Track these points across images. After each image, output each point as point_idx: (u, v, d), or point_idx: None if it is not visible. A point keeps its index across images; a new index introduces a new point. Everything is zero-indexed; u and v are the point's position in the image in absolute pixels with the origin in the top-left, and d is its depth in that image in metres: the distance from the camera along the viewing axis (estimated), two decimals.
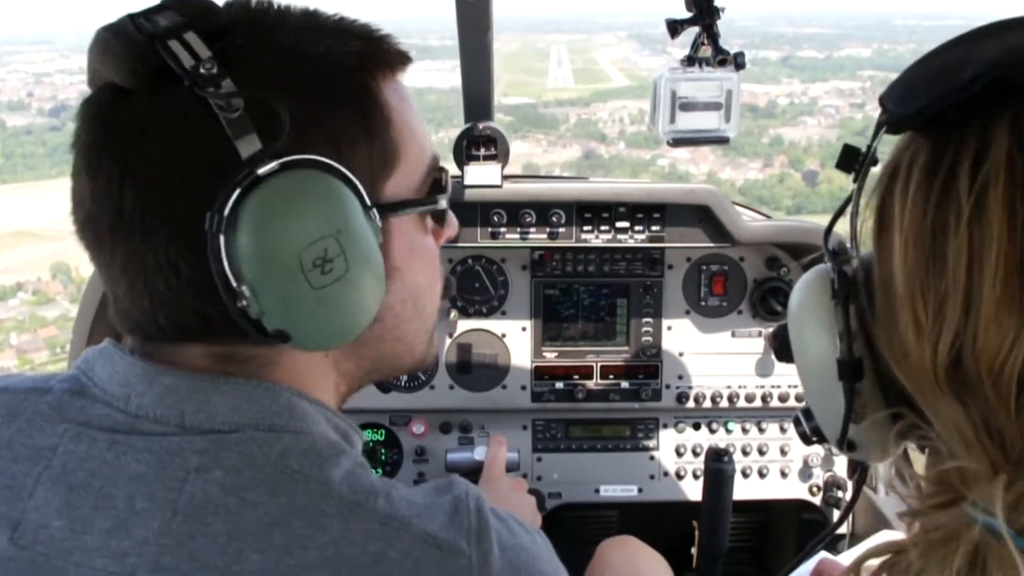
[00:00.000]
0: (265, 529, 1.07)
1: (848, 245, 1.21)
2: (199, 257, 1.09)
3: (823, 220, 1.35)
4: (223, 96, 1.08)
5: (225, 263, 1.08)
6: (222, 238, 1.07)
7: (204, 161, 1.10)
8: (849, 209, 1.21)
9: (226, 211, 1.07)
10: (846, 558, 2.15)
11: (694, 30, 2.09)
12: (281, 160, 1.09)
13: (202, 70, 1.08)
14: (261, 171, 1.09)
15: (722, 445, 3.22)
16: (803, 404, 1.41)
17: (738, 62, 2.09)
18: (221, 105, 1.08)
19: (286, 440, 1.14)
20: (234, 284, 1.08)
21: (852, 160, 1.22)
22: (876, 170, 1.18)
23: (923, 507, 1.06)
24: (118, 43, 1.11)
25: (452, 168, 2.95)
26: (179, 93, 1.09)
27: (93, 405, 1.17)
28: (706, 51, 2.10)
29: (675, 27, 2.08)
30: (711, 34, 2.08)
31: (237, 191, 1.08)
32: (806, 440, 1.42)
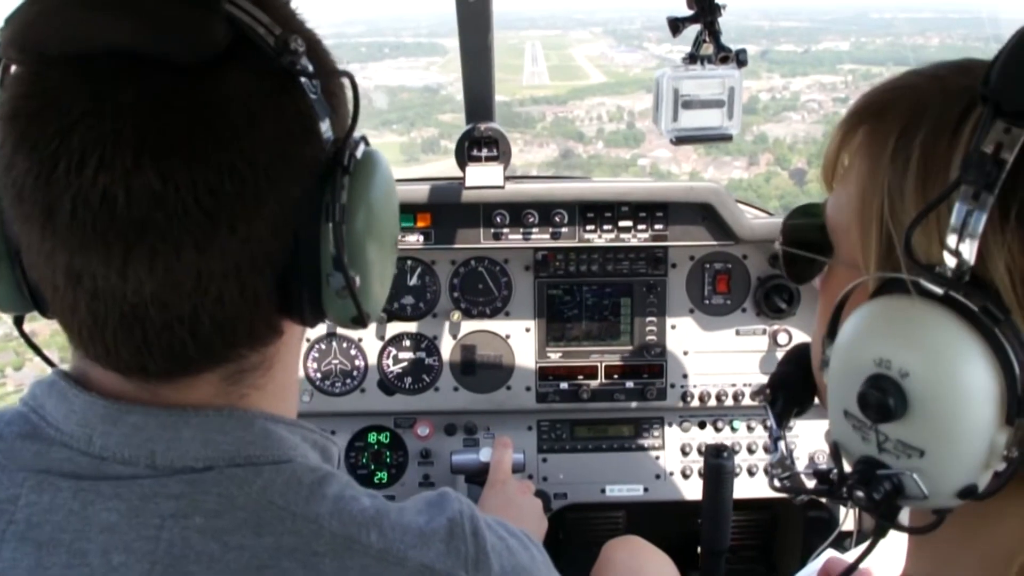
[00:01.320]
0: (254, 573, 1.02)
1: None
2: (292, 250, 1.06)
3: None
4: (310, 75, 1.05)
5: (342, 250, 1.06)
6: (330, 225, 1.06)
7: (296, 145, 1.05)
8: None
9: (344, 198, 1.06)
10: (852, 556, 2.15)
11: (687, 31, 2.09)
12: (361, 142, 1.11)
13: (291, 45, 1.02)
14: (358, 154, 1.10)
15: (728, 443, 3.22)
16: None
17: (740, 59, 2.09)
18: (312, 87, 1.05)
19: (266, 474, 1.07)
20: (349, 271, 1.07)
21: (980, 171, 0.90)
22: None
23: None
24: (177, 5, 0.98)
25: (454, 170, 2.95)
26: (256, 69, 1.02)
27: (50, 448, 1.05)
28: (707, 49, 2.10)
29: (676, 25, 2.08)
30: (712, 31, 2.07)
31: (347, 176, 1.07)
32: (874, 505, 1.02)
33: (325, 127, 1.07)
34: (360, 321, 1.13)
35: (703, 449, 3.22)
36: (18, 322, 1.21)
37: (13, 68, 1.03)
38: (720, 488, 2.75)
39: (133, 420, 1.05)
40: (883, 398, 0.93)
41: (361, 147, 1.12)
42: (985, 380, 0.90)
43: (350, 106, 1.15)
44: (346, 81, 1.14)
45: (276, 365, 1.16)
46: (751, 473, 3.26)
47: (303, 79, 1.04)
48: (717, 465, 2.73)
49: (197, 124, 0.97)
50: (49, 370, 1.15)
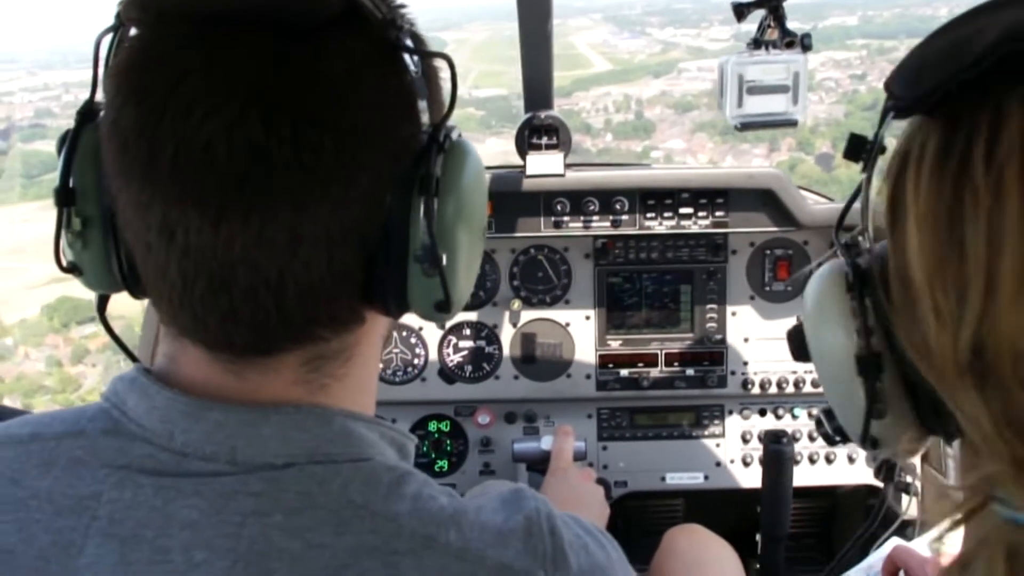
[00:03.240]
0: (335, 572, 1.02)
1: (860, 237, 1.17)
2: (381, 225, 1.07)
3: None
4: (413, 52, 1.07)
5: (432, 227, 1.07)
6: (422, 200, 1.06)
7: (396, 118, 1.07)
8: (859, 200, 1.17)
9: (438, 174, 1.08)
10: (919, 544, 2.13)
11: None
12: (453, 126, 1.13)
13: (399, 21, 1.05)
14: (453, 137, 1.12)
15: (788, 431, 3.20)
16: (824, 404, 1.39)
17: (805, 44, 2.08)
18: (414, 64, 1.07)
19: (346, 472, 1.07)
20: (439, 252, 1.08)
21: (860, 149, 1.16)
22: (886, 158, 1.14)
23: (957, 511, 1.03)
24: None
25: (515, 158, 2.95)
26: (364, 38, 1.04)
27: (132, 444, 1.07)
28: (772, 34, 2.08)
29: (741, 10, 2.06)
30: (777, 16, 2.06)
31: (442, 155, 1.09)
32: (829, 440, 1.35)
33: (423, 107, 1.09)
34: (446, 307, 1.13)
35: (763, 436, 3.22)
36: (101, 304, 1.23)
37: (133, 30, 1.05)
38: (780, 474, 2.74)
39: (215, 417, 1.06)
40: (795, 346, 1.30)
41: (455, 133, 1.14)
42: (841, 337, 1.13)
43: (445, 93, 1.17)
44: (443, 64, 1.15)
45: (356, 357, 1.17)
46: (812, 461, 3.23)
47: (406, 56, 1.06)
48: (777, 451, 2.72)
49: (304, 82, 0.99)
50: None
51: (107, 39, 1.10)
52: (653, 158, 26.59)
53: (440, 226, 1.08)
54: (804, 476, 3.19)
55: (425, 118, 1.10)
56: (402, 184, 1.07)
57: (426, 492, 1.10)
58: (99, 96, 1.09)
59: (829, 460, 3.23)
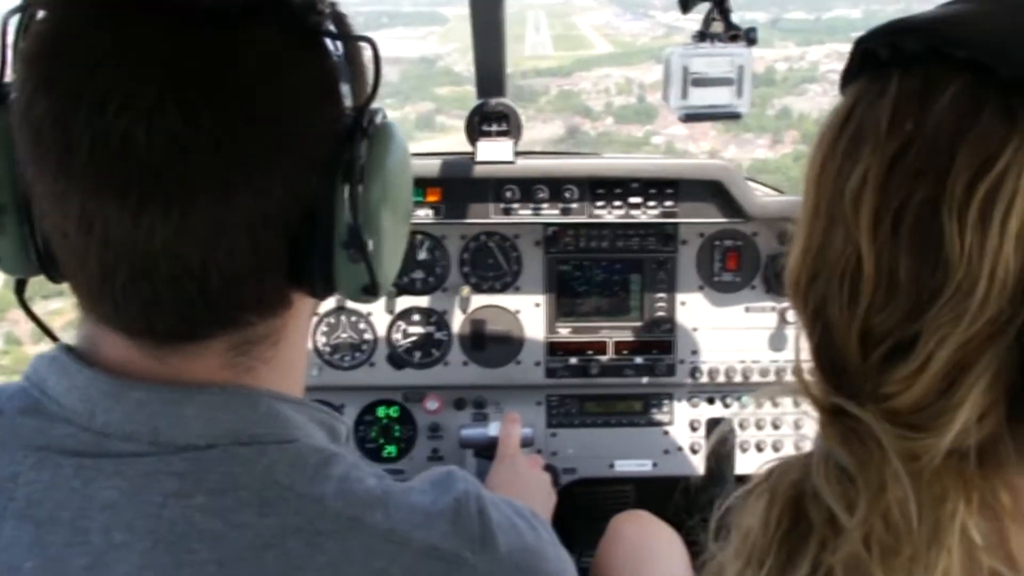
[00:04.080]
0: (258, 553, 1.01)
1: None
2: (306, 210, 1.06)
3: None
4: (334, 36, 1.06)
5: (357, 213, 1.07)
6: (347, 187, 1.06)
7: (317, 103, 1.06)
8: None
9: (362, 160, 1.08)
10: None
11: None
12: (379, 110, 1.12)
13: (318, 6, 1.04)
14: (377, 120, 1.11)
15: (736, 420, 3.24)
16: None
17: (750, 37, 2.08)
18: (335, 49, 1.07)
19: (271, 453, 1.06)
20: (364, 237, 1.08)
21: None
22: None
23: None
24: None
25: (464, 144, 2.94)
26: (282, 24, 1.02)
27: (52, 424, 1.05)
28: (717, 27, 2.09)
29: (686, 2, 2.07)
30: (723, 9, 2.07)
31: (367, 140, 1.09)
32: None
33: (345, 91, 1.08)
34: (372, 291, 1.14)
35: (712, 425, 3.24)
36: (19, 288, 1.20)
37: (41, 13, 1.02)
38: (720, 463, 2.76)
39: (136, 396, 1.04)
40: None
41: (380, 115, 1.13)
42: None
43: (369, 75, 1.16)
44: (367, 48, 1.14)
45: (283, 340, 1.16)
46: (760, 449, 3.26)
47: (327, 40, 1.06)
48: (720, 435, 2.73)
49: (221, 70, 0.97)
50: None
51: (13, 20, 1.07)
52: (654, 144, 26.09)
53: (365, 211, 1.08)
54: (752, 464, 3.21)
55: (349, 102, 1.10)
56: (326, 169, 1.06)
57: (354, 474, 1.10)
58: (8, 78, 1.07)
59: (776, 448, 3.26)
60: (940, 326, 0.91)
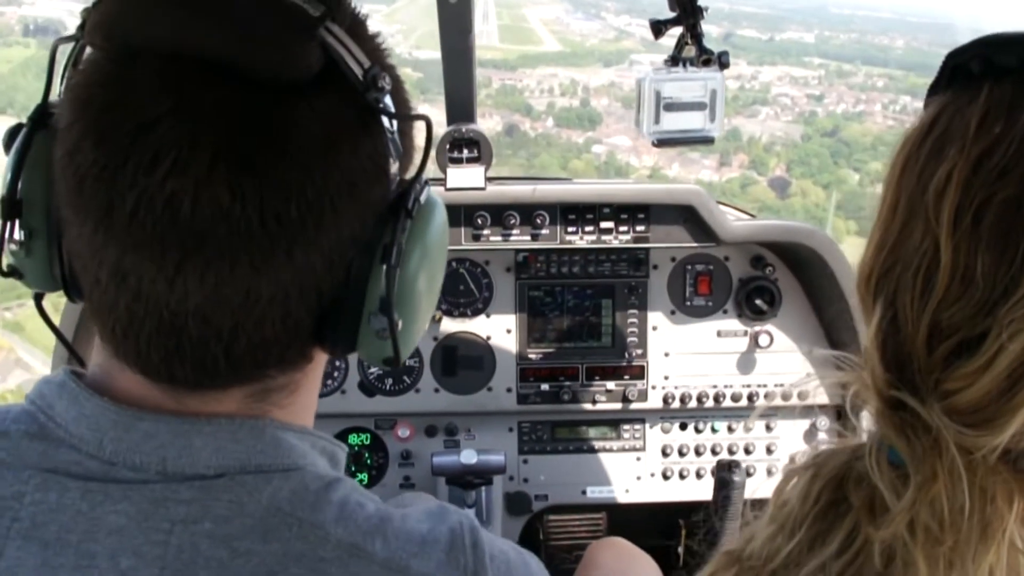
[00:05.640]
0: None
1: None
2: (340, 284, 1.06)
3: None
4: (392, 116, 1.05)
5: (392, 293, 1.07)
6: (384, 267, 1.06)
7: (367, 183, 1.05)
8: None
9: (404, 240, 1.07)
10: None
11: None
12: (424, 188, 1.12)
13: (380, 82, 1.02)
14: (422, 199, 1.10)
15: (707, 444, 3.23)
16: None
17: (722, 61, 2.10)
18: (390, 126, 1.06)
19: (275, 481, 1.07)
20: (395, 316, 1.08)
21: None
22: None
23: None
24: (275, 22, 0.98)
25: (434, 171, 2.93)
26: (341, 99, 1.02)
27: (58, 449, 1.04)
28: (690, 51, 2.10)
29: (658, 27, 2.08)
30: (695, 34, 2.08)
31: (410, 220, 1.08)
32: None
33: (394, 168, 1.07)
34: (394, 363, 1.14)
35: (684, 451, 3.25)
36: (38, 299, 1.21)
37: (89, 51, 1.02)
38: (728, 502, 2.73)
39: (145, 427, 1.04)
40: None
41: (425, 193, 1.12)
42: None
43: (418, 151, 1.15)
44: (421, 125, 1.14)
45: (300, 389, 1.17)
46: (749, 474, 3.25)
47: (384, 117, 1.04)
48: (728, 480, 2.69)
49: (275, 144, 0.96)
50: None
51: (65, 48, 1.07)
52: (594, 152, 25.70)
53: (400, 292, 1.08)
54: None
55: (395, 168, 1.09)
56: (366, 247, 1.07)
57: (354, 499, 1.11)
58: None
59: (749, 473, 3.25)
60: (1011, 322, 0.95)
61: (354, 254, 1.06)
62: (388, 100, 1.04)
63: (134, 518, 1.01)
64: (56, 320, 1.36)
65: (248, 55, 0.96)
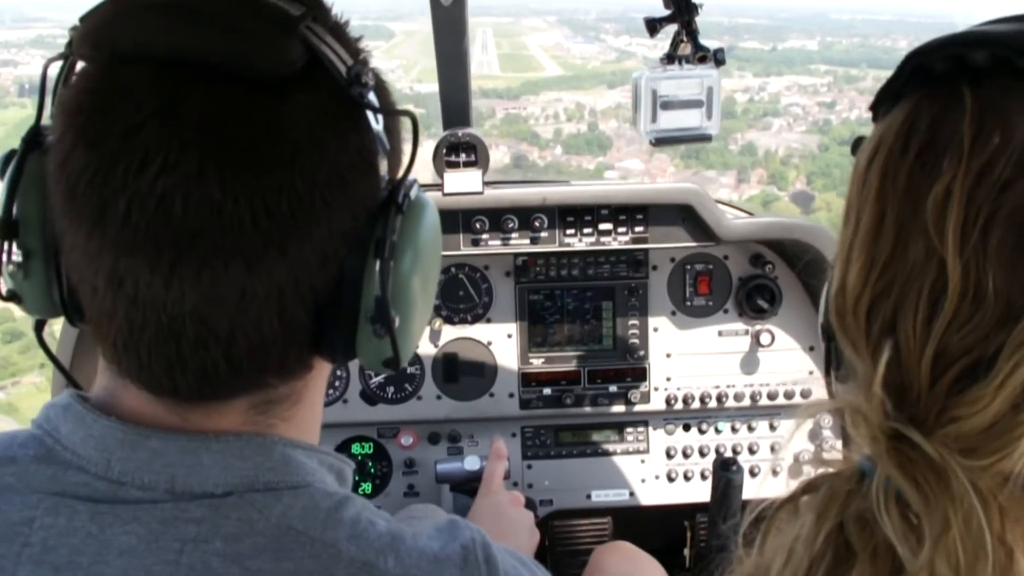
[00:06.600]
0: None
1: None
2: (335, 282, 1.07)
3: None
4: (376, 110, 1.06)
5: (386, 289, 1.07)
6: (378, 261, 1.06)
7: (355, 177, 1.06)
8: None
9: (395, 236, 1.07)
10: None
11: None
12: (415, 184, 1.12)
13: (363, 78, 1.04)
14: (412, 194, 1.11)
15: (711, 445, 3.22)
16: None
17: (718, 59, 2.09)
18: (376, 121, 1.07)
19: (285, 499, 1.07)
20: (392, 314, 1.07)
21: None
22: None
23: None
24: (257, 22, 1.00)
25: (431, 176, 2.93)
26: (326, 95, 1.03)
27: (66, 472, 1.05)
28: (685, 49, 2.10)
29: (654, 25, 2.08)
30: (690, 31, 2.07)
31: (400, 216, 1.08)
32: None
33: (383, 164, 1.09)
34: (393, 363, 1.13)
35: (688, 452, 3.22)
36: (38, 328, 1.22)
37: (81, 65, 1.04)
38: (727, 499, 2.72)
39: (152, 445, 1.05)
40: None
41: (415, 189, 1.13)
42: None
43: (405, 148, 1.17)
44: (407, 121, 1.15)
45: (303, 400, 1.17)
46: (752, 474, 3.23)
47: (368, 112, 1.06)
48: (727, 478, 2.69)
49: (262, 139, 0.98)
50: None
51: (55, 66, 1.09)
52: (607, 179, 25.30)
53: (394, 287, 1.08)
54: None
55: (384, 168, 1.10)
56: (358, 243, 1.07)
57: (365, 516, 1.11)
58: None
59: (753, 473, 3.24)
60: None
61: (347, 250, 1.06)
62: (372, 96, 1.05)
63: (144, 539, 1.02)
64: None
65: (232, 54, 0.98)
